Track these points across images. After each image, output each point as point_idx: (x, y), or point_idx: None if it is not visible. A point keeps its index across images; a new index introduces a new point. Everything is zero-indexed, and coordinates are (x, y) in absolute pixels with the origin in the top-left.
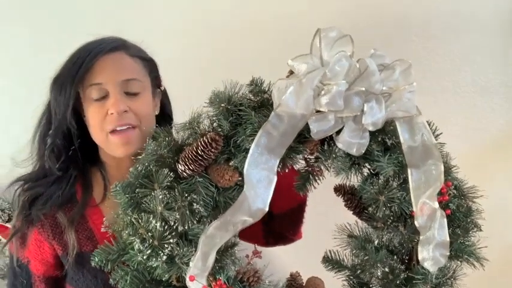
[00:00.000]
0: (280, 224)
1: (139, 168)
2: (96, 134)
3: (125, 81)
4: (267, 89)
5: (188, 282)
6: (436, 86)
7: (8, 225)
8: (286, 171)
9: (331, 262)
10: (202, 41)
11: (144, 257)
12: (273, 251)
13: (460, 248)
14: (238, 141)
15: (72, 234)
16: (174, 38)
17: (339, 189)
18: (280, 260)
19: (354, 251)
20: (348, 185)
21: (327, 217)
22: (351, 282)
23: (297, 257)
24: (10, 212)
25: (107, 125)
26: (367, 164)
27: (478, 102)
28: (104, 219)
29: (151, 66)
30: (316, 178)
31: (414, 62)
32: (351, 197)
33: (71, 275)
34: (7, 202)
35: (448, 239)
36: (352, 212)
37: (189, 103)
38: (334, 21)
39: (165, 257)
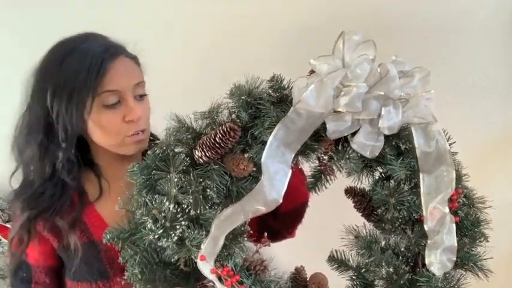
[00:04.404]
0: (282, 222)
1: (157, 151)
2: (109, 138)
3: (136, 85)
4: (286, 86)
5: (199, 262)
6: (436, 86)
7: (8, 225)
8: (300, 167)
9: (337, 261)
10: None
11: (156, 236)
12: (279, 247)
13: (466, 257)
14: (255, 133)
15: (73, 236)
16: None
17: (350, 192)
18: (284, 256)
19: (360, 251)
20: (358, 187)
21: (333, 217)
22: (355, 282)
23: (302, 255)
24: (10, 212)
25: (126, 131)
26: (379, 168)
27: (478, 102)
28: (119, 198)
29: (139, 64)
30: (328, 178)
31: (413, 63)
32: (360, 198)
33: (68, 267)
34: (7, 202)
35: (455, 244)
36: (361, 214)
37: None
38: (335, 21)
39: (176, 238)
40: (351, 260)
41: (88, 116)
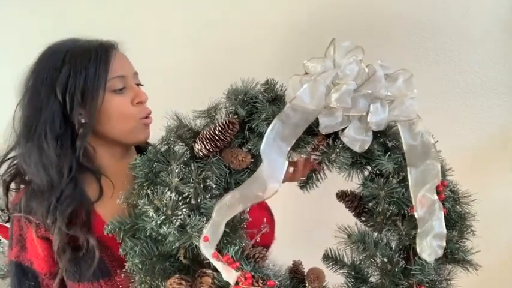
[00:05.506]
0: None
1: (158, 146)
2: (121, 123)
3: (135, 73)
4: (279, 89)
5: (201, 244)
6: (436, 87)
7: (7, 225)
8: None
9: (331, 259)
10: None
11: (158, 222)
12: (274, 248)
13: (456, 248)
14: (253, 126)
15: (90, 235)
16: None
17: (340, 195)
18: (281, 255)
19: (354, 246)
20: (348, 190)
21: (329, 217)
22: (350, 279)
23: (298, 255)
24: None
25: (137, 114)
26: (368, 166)
27: (477, 102)
28: (120, 193)
29: None
30: (319, 177)
31: (414, 63)
32: (351, 197)
33: (69, 268)
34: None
35: (445, 231)
36: (352, 213)
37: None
38: (336, 21)
39: (178, 223)
40: (345, 257)
41: (101, 105)
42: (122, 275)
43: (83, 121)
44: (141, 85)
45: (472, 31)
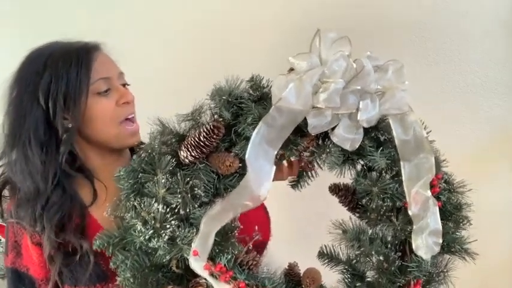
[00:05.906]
0: None
1: (142, 155)
2: (105, 126)
3: (120, 73)
4: (266, 85)
5: (191, 258)
6: (436, 86)
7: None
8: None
9: (327, 256)
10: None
11: (146, 237)
12: (271, 246)
13: (452, 239)
14: (239, 130)
15: (84, 241)
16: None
17: (333, 189)
18: (277, 253)
19: (349, 244)
20: (341, 183)
21: (324, 214)
22: (347, 275)
23: (295, 253)
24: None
25: (120, 115)
26: (360, 161)
27: (477, 102)
28: (107, 204)
29: None
30: (310, 175)
31: (414, 62)
32: (345, 192)
33: (65, 273)
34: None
35: (440, 227)
36: (346, 207)
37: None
38: (335, 21)
39: (167, 237)
40: (340, 254)
41: (85, 110)
42: None
43: (69, 126)
44: (128, 85)
45: (472, 31)
